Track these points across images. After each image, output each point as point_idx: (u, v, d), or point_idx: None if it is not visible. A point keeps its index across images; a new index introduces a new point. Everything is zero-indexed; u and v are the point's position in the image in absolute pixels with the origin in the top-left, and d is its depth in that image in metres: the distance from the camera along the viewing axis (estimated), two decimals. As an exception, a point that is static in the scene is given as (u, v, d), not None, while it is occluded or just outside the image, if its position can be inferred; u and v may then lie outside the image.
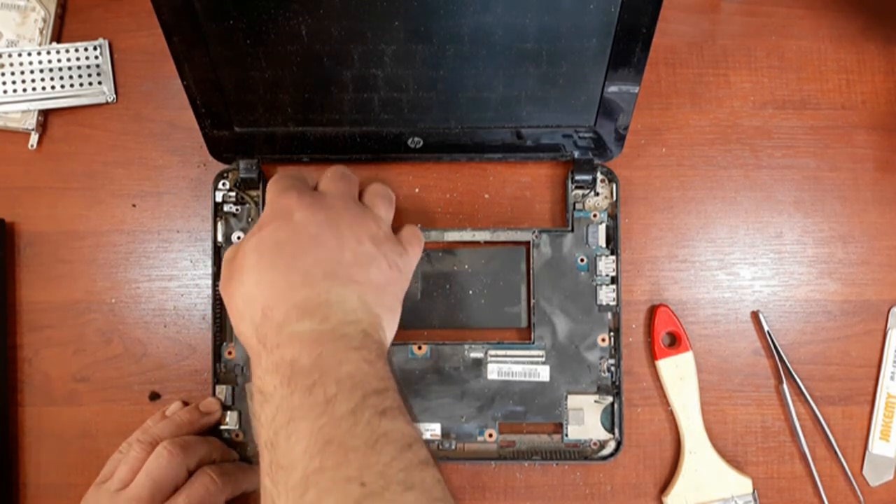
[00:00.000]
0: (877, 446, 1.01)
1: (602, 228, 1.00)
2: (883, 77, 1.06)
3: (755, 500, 0.99)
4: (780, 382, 1.01)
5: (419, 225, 0.98)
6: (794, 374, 1.01)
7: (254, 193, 1.00)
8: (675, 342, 1.01)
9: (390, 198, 0.90)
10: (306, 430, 0.68)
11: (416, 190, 1.03)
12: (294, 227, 0.79)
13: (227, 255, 0.85)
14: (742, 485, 0.99)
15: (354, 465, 0.65)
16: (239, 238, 1.00)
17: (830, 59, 1.06)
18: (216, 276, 0.99)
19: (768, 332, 1.02)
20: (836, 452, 1.01)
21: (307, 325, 0.75)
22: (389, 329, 0.83)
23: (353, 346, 0.75)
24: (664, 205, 1.04)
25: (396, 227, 0.90)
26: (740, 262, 1.04)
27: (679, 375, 1.00)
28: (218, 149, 0.98)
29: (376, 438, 0.68)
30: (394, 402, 0.72)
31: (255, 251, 0.79)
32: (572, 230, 1.01)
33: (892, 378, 1.02)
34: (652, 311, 1.02)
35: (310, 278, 0.77)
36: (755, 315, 1.03)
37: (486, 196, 1.03)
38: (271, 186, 0.85)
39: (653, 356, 1.01)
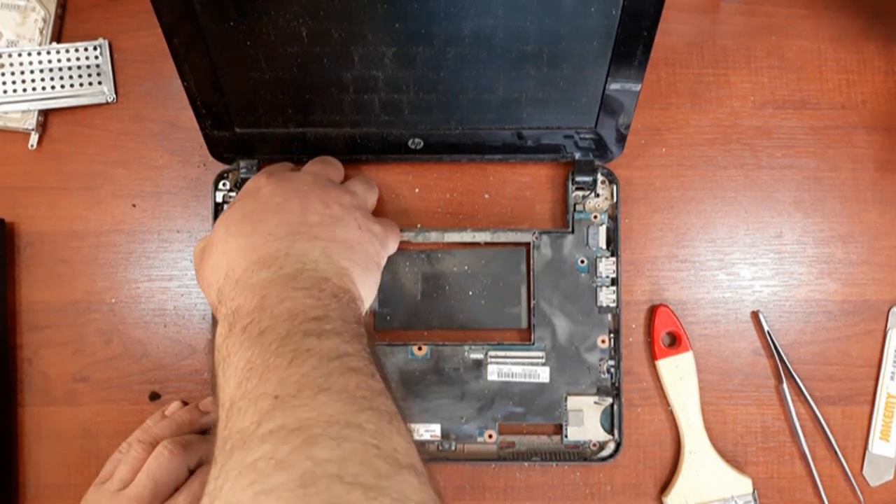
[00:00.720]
0: (877, 446, 1.01)
1: (602, 230, 1.01)
2: (883, 77, 1.06)
3: (755, 500, 1.00)
4: (780, 382, 1.02)
5: (419, 225, 0.99)
6: (794, 374, 1.01)
7: (254, 194, 1.00)
8: (675, 342, 1.02)
9: (370, 182, 0.92)
10: (240, 363, 0.68)
11: (416, 190, 1.04)
12: (260, 199, 0.83)
13: (197, 245, 0.88)
14: (742, 485, 0.99)
15: (273, 382, 0.64)
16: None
17: (830, 59, 1.06)
18: (216, 277, 0.99)
19: (768, 332, 1.02)
20: (836, 452, 1.01)
21: (262, 275, 0.76)
22: (363, 285, 0.83)
23: (300, 286, 0.75)
24: (664, 205, 1.04)
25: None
26: (740, 262, 1.04)
27: (679, 375, 1.00)
28: (218, 149, 0.98)
29: (297, 354, 0.66)
30: (334, 327, 0.71)
31: (222, 225, 0.82)
32: (573, 231, 1.01)
33: (892, 378, 1.02)
34: (652, 311, 1.03)
35: (272, 237, 0.79)
36: (755, 315, 1.03)
37: (487, 196, 1.04)
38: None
39: (653, 356, 1.02)
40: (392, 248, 0.92)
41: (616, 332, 1.00)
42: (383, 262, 0.89)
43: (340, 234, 0.82)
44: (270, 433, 0.59)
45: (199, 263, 0.84)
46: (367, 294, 0.84)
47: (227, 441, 0.62)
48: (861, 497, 1.01)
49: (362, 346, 0.72)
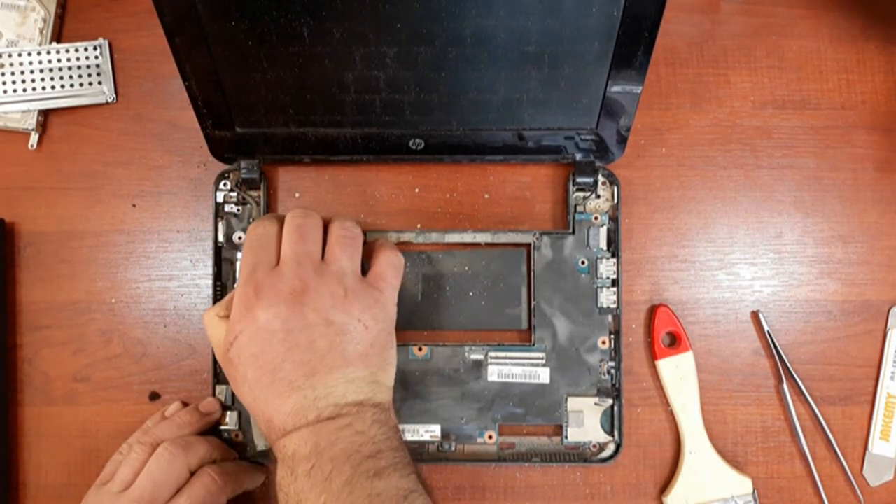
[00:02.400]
0: (877, 446, 1.02)
1: (603, 231, 1.01)
2: (883, 77, 1.07)
3: (755, 500, 1.00)
4: (780, 382, 1.02)
5: (419, 225, 1.00)
6: (794, 374, 1.02)
7: (255, 194, 1.01)
8: (675, 342, 1.02)
9: (353, 238, 0.89)
10: None
11: (416, 190, 1.04)
12: (262, 334, 0.82)
13: (217, 345, 0.88)
14: (742, 485, 1.00)
15: None
16: (240, 238, 1.01)
17: (830, 59, 1.07)
18: (217, 277, 1.00)
19: (768, 332, 1.02)
20: (836, 452, 1.02)
21: (302, 422, 0.79)
22: (384, 373, 0.86)
23: (345, 424, 0.79)
24: (664, 205, 1.05)
25: (370, 248, 0.92)
26: (740, 262, 1.04)
27: (679, 375, 1.01)
28: (219, 149, 0.99)
29: (371, 500, 0.72)
30: (388, 461, 0.77)
31: (240, 364, 0.83)
32: (573, 232, 1.01)
33: (892, 378, 1.02)
34: (652, 311, 1.03)
35: (294, 385, 0.81)
36: (755, 315, 1.04)
37: (487, 196, 1.04)
38: (243, 256, 0.88)
39: (653, 356, 1.02)
40: (396, 283, 0.91)
41: (616, 333, 1.00)
42: (394, 314, 0.89)
43: (352, 351, 0.83)
44: None
45: (232, 381, 0.86)
46: (387, 377, 0.87)
47: None
48: (861, 497, 1.02)
49: (415, 472, 0.79)
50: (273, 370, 0.81)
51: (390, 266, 0.90)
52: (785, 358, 1.02)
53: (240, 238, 1.01)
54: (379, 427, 0.80)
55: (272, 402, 0.80)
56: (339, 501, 0.73)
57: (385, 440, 0.79)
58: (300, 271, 0.83)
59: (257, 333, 0.82)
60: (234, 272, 1.01)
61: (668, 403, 1.02)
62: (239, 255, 1.00)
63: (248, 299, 0.83)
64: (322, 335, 0.82)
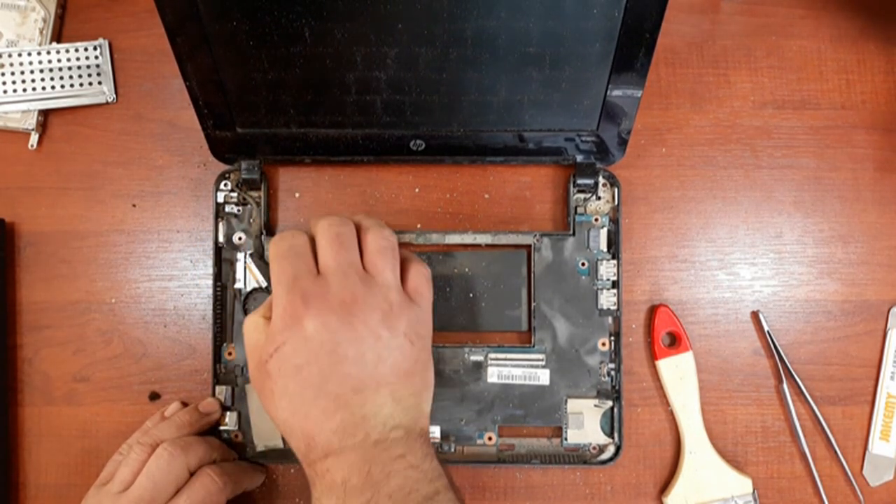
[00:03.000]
0: (877, 446, 1.02)
1: (603, 233, 1.01)
2: (883, 77, 1.07)
3: (755, 500, 1.00)
4: (780, 382, 1.03)
5: (419, 226, 1.00)
6: (794, 374, 1.02)
7: (255, 194, 1.01)
8: (675, 342, 1.02)
9: (393, 248, 0.86)
10: None
11: (416, 190, 1.04)
12: (309, 345, 0.78)
13: (254, 352, 0.83)
14: (742, 485, 1.00)
15: None
16: (240, 239, 1.01)
17: (830, 59, 1.07)
18: (217, 277, 1.00)
19: (768, 332, 1.03)
20: (836, 452, 1.02)
21: (349, 444, 0.76)
22: (427, 393, 0.84)
23: (398, 453, 0.77)
24: (664, 205, 1.05)
25: (402, 262, 0.88)
26: (740, 262, 1.05)
27: (679, 375, 1.01)
28: (220, 149, 0.99)
29: None
30: (444, 489, 0.76)
31: (280, 376, 0.79)
32: (573, 234, 1.01)
33: (892, 378, 1.03)
34: (652, 311, 1.03)
35: (341, 400, 0.78)
36: (755, 315, 1.04)
37: (487, 196, 1.05)
38: (274, 266, 0.83)
39: (653, 356, 1.02)
40: (431, 297, 0.87)
41: (616, 334, 1.01)
42: (431, 331, 0.87)
43: (399, 366, 0.81)
44: None
45: (262, 394, 0.82)
46: (431, 391, 0.86)
47: None
48: (861, 497, 1.02)
49: None
50: (319, 383, 0.78)
51: (423, 279, 0.87)
52: (785, 358, 1.02)
53: (240, 238, 1.01)
54: (430, 461, 0.79)
55: (315, 417, 0.78)
56: None
57: (438, 477, 0.78)
58: (347, 282, 0.80)
59: (304, 344, 0.78)
60: (234, 272, 1.01)
61: (668, 403, 1.02)
62: (240, 255, 1.01)
63: (294, 308, 0.79)
64: (370, 349, 0.79)
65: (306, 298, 0.79)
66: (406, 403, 0.80)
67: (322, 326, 0.78)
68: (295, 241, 0.84)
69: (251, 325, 0.84)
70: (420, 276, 0.87)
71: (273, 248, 0.84)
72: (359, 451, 0.76)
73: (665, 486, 1.02)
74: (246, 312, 1.00)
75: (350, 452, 0.76)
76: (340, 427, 0.77)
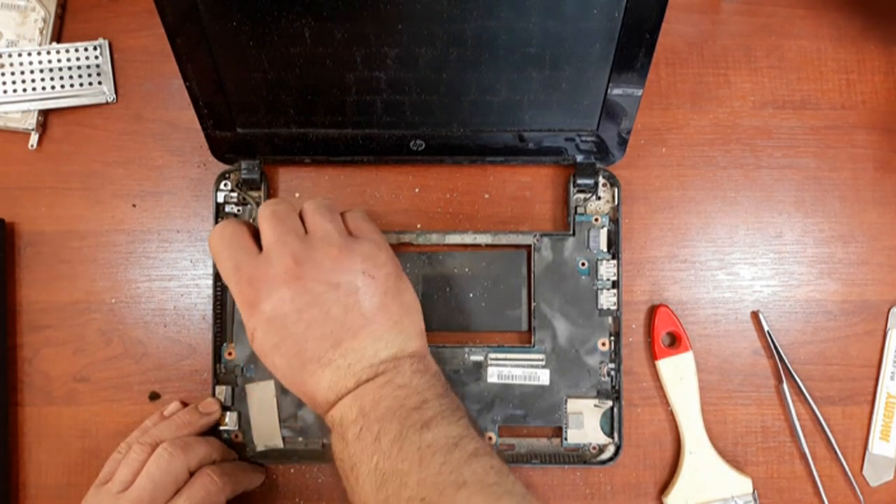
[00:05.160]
0: (877, 446, 1.03)
1: (603, 233, 1.02)
2: (883, 77, 1.08)
3: (755, 500, 1.01)
4: (780, 382, 1.03)
5: (419, 226, 1.02)
6: (794, 374, 1.03)
7: (255, 194, 1.02)
8: (675, 342, 1.03)
9: (329, 206, 0.87)
10: (366, 470, 0.74)
11: (416, 190, 1.05)
12: (275, 324, 0.81)
13: (243, 308, 0.83)
14: (742, 485, 1.01)
15: (411, 485, 0.70)
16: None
17: (830, 59, 1.08)
18: (217, 277, 1.01)
19: (768, 332, 1.03)
20: (836, 452, 1.03)
21: (343, 392, 0.79)
22: (409, 319, 0.85)
23: (385, 380, 0.79)
24: (664, 205, 1.06)
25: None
26: (740, 262, 1.05)
27: (679, 375, 1.02)
28: (220, 149, 0.99)
29: (422, 453, 0.72)
30: (434, 411, 0.77)
31: (267, 356, 0.83)
32: (574, 234, 1.02)
33: (892, 378, 1.03)
34: (652, 311, 1.04)
35: (325, 360, 0.80)
36: (755, 315, 1.05)
37: (486, 196, 1.05)
38: (216, 261, 0.87)
39: (653, 356, 1.03)
40: (378, 229, 0.89)
41: (616, 335, 1.01)
42: (394, 256, 0.88)
43: (369, 307, 0.82)
44: None
45: (259, 350, 0.84)
46: (417, 312, 0.87)
47: None
48: (861, 497, 1.03)
49: (464, 416, 0.79)
50: (298, 353, 0.80)
51: (360, 218, 0.89)
52: (785, 358, 1.03)
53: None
54: (420, 377, 0.80)
55: (308, 382, 0.80)
56: (390, 459, 0.73)
57: (428, 388, 0.79)
58: (286, 248, 0.82)
59: (269, 324, 0.81)
60: (235, 273, 1.01)
61: (668, 403, 1.03)
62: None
63: (245, 296, 0.82)
64: (334, 301, 0.81)
65: (252, 282, 0.81)
66: (388, 337, 0.82)
67: (278, 302, 0.80)
68: (226, 230, 0.86)
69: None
70: (356, 217, 0.89)
71: (210, 243, 0.86)
72: (352, 394, 0.78)
73: (665, 486, 1.03)
74: (246, 312, 1.01)
75: (346, 398, 0.78)
76: (331, 383, 0.80)
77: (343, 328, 0.80)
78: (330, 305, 0.80)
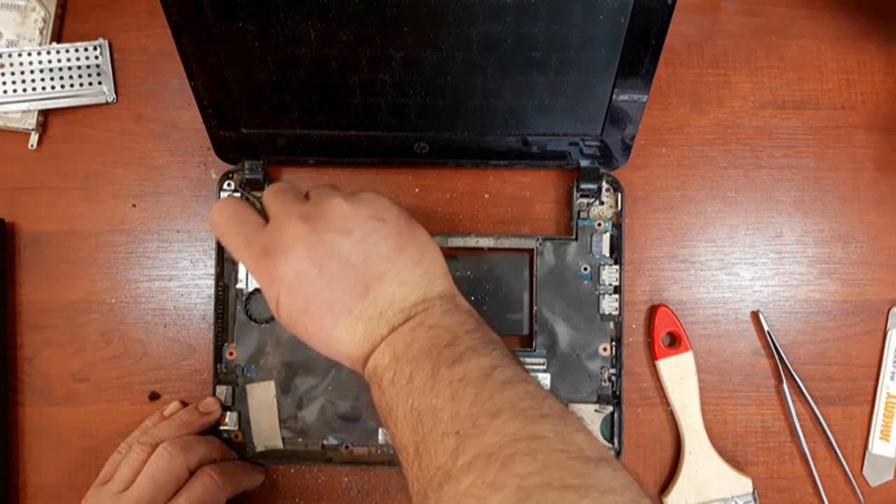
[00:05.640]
0: (877, 446, 1.04)
1: (606, 238, 1.02)
2: (883, 77, 1.08)
3: (755, 500, 1.01)
4: (780, 382, 1.04)
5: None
6: (794, 374, 1.04)
7: (259, 194, 1.02)
8: (675, 342, 1.04)
9: (332, 185, 0.88)
10: (402, 413, 0.72)
11: (416, 190, 1.06)
12: (299, 285, 0.79)
13: (262, 279, 0.81)
14: (742, 485, 1.01)
15: (446, 420, 0.69)
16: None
17: (830, 59, 1.09)
18: (219, 277, 1.01)
19: (768, 332, 1.04)
20: (836, 452, 1.04)
21: (377, 340, 0.77)
22: (429, 258, 0.83)
23: (416, 323, 0.77)
24: (664, 205, 1.06)
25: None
26: (740, 262, 1.06)
27: (679, 375, 1.02)
28: (224, 149, 1.00)
29: (454, 388, 0.70)
30: (466, 345, 0.75)
31: (297, 321, 0.80)
32: (576, 239, 1.02)
33: (892, 378, 1.04)
34: (652, 311, 1.05)
35: (354, 311, 0.77)
36: (755, 315, 1.05)
37: (486, 196, 1.06)
38: (223, 241, 0.85)
39: (653, 356, 1.04)
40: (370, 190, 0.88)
41: (618, 340, 1.02)
42: (402, 209, 0.86)
43: (386, 250, 0.80)
44: (470, 463, 0.65)
45: (295, 335, 0.82)
46: (436, 250, 0.84)
47: (431, 479, 0.68)
48: (861, 497, 1.04)
49: (498, 348, 0.76)
50: (328, 310, 0.78)
51: (357, 189, 0.87)
52: (785, 358, 1.04)
53: (242, 239, 1.01)
54: (451, 315, 0.78)
55: (344, 339, 0.78)
56: (423, 398, 0.72)
57: (459, 325, 0.77)
58: (293, 211, 0.81)
59: (293, 286, 0.79)
60: (236, 273, 1.02)
61: (668, 403, 1.04)
62: (241, 255, 1.01)
63: (262, 266, 0.80)
64: (351, 248, 0.79)
65: (266, 251, 0.80)
66: (412, 279, 0.80)
67: (296, 262, 0.78)
68: (227, 208, 0.85)
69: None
70: (350, 190, 0.87)
71: (214, 222, 0.85)
72: (385, 341, 0.76)
73: (665, 486, 1.04)
74: (247, 313, 1.02)
75: (380, 346, 0.76)
76: (366, 335, 0.77)
77: (367, 275, 0.79)
78: (348, 253, 0.79)
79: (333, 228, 0.79)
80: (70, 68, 1.04)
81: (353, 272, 0.78)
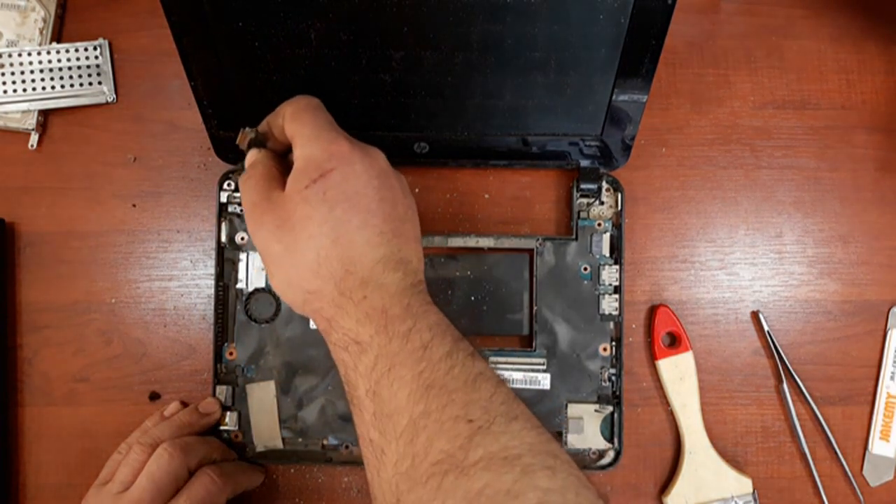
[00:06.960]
0: (877, 446, 1.04)
1: (606, 238, 1.03)
2: (883, 77, 1.09)
3: (755, 500, 1.02)
4: (780, 382, 1.05)
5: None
6: (794, 374, 1.04)
7: (258, 195, 1.02)
8: (675, 342, 1.04)
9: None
10: (408, 376, 0.71)
11: (416, 190, 1.06)
12: (359, 178, 0.78)
13: (256, 199, 0.81)
14: (742, 485, 1.02)
15: (458, 404, 0.69)
16: (243, 239, 1.02)
17: (830, 59, 1.09)
18: (219, 277, 1.02)
19: (768, 332, 1.05)
20: (836, 452, 1.04)
21: (390, 278, 0.76)
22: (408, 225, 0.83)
23: (428, 299, 0.78)
24: (664, 205, 1.07)
25: None
26: (740, 262, 1.07)
27: (679, 375, 1.03)
28: (224, 149, 1.00)
29: (474, 378, 0.71)
30: (474, 348, 0.75)
31: (324, 201, 0.77)
32: (576, 239, 1.03)
33: (892, 378, 1.05)
34: (652, 311, 1.05)
35: (385, 237, 0.77)
36: (755, 315, 1.06)
37: (487, 196, 1.06)
38: (301, 118, 0.82)
39: (653, 356, 1.04)
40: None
41: (618, 340, 1.02)
42: None
43: (412, 231, 0.82)
44: (484, 460, 0.66)
45: (281, 229, 0.78)
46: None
47: (430, 461, 0.67)
48: (861, 497, 1.04)
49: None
50: (366, 216, 0.77)
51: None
52: (785, 358, 1.04)
53: (243, 238, 1.03)
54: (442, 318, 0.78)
55: (360, 245, 0.76)
56: (438, 374, 0.71)
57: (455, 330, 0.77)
58: (340, 133, 0.82)
59: (353, 175, 0.78)
60: (236, 273, 1.03)
61: (668, 403, 1.04)
62: (242, 255, 1.03)
63: (339, 145, 0.79)
64: (400, 202, 0.80)
65: (352, 145, 0.80)
66: (420, 261, 0.81)
67: (370, 166, 0.79)
68: (255, 171, 0.84)
69: (259, 168, 0.85)
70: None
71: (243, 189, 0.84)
72: (399, 286, 0.76)
73: (665, 486, 1.04)
74: (247, 313, 1.02)
75: (390, 285, 0.76)
76: (384, 259, 0.76)
77: (403, 227, 0.80)
78: (398, 201, 0.81)
79: (395, 186, 0.81)
80: (70, 68, 1.05)
81: (396, 212, 0.80)
